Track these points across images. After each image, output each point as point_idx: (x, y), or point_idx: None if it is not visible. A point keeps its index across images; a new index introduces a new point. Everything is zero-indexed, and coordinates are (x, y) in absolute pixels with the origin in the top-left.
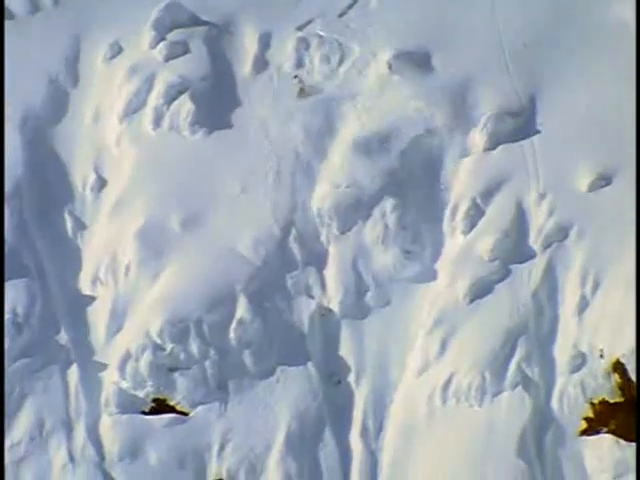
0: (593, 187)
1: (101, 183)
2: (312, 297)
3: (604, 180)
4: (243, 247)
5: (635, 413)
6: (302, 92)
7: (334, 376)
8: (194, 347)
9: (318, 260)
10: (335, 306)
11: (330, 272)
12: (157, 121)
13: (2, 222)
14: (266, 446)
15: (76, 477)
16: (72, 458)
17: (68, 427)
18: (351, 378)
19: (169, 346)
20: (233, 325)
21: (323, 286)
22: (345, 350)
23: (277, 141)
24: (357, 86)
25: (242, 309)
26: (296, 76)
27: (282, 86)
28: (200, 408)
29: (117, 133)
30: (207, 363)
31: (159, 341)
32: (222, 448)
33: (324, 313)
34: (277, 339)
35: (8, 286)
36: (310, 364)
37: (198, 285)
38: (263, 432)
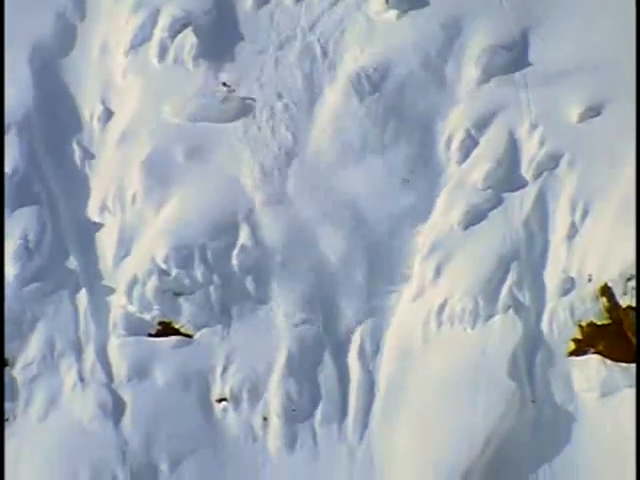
0: (583, 118)
1: (108, 114)
2: None
3: (594, 111)
4: (246, 177)
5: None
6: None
7: None
8: (198, 273)
9: (317, 185)
10: None
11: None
12: (162, 54)
13: (2, 222)
14: (267, 368)
15: (86, 396)
16: (82, 378)
17: (78, 349)
18: None
19: (174, 272)
20: (235, 252)
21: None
22: None
23: (277, 74)
24: (354, 21)
25: (244, 236)
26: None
27: (282, 20)
28: (204, 331)
29: (123, 66)
30: (211, 288)
31: (164, 267)
32: (225, 369)
33: None
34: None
35: (19, 213)
36: None
37: (202, 213)
38: (264, 354)
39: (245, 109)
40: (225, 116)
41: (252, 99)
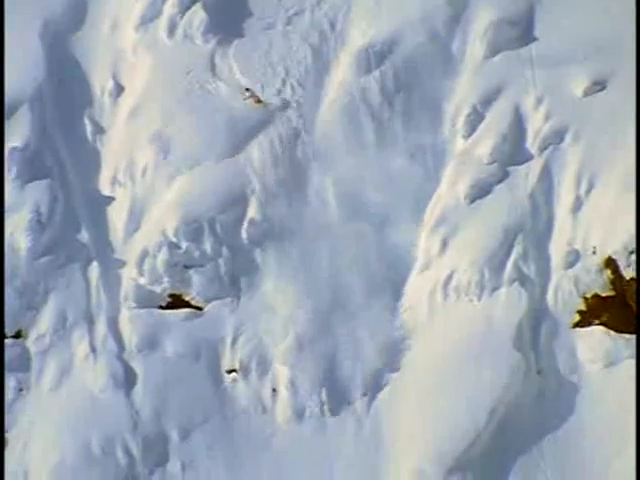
0: (588, 92)
1: (118, 89)
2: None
3: (599, 85)
4: (254, 152)
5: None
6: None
7: None
8: (208, 246)
9: (326, 161)
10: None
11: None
12: (171, 30)
13: (2, 222)
14: (276, 339)
15: (97, 367)
16: (94, 349)
17: (89, 320)
18: None
19: (184, 245)
20: (245, 225)
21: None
22: None
23: (285, 49)
24: None
25: (253, 210)
26: None
27: None
28: (214, 303)
29: (133, 41)
30: (220, 261)
31: (174, 240)
32: (235, 341)
33: None
34: None
35: (32, 186)
36: None
37: (212, 187)
38: (274, 326)
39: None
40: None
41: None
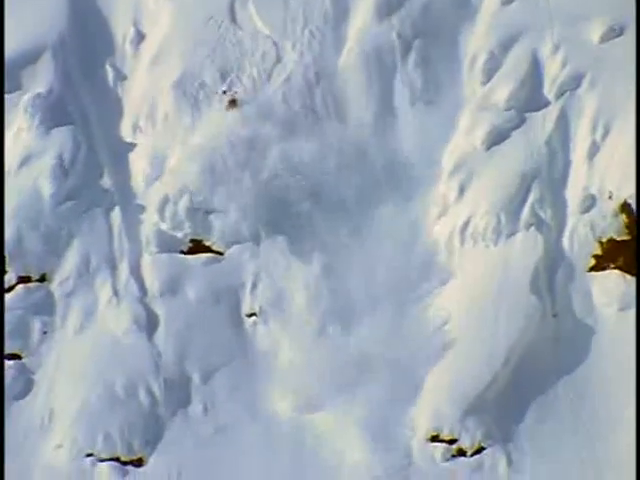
0: (605, 38)
1: (140, 37)
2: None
3: (615, 31)
4: (274, 99)
5: None
6: None
7: None
8: (228, 192)
9: (340, 111)
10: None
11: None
12: None
13: (2, 217)
14: (296, 283)
15: (120, 310)
16: (116, 293)
17: (112, 265)
18: None
19: (205, 191)
20: (265, 173)
21: (350, 135)
22: None
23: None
24: None
25: (272, 159)
26: None
27: None
28: (234, 248)
29: None
30: (241, 207)
31: (196, 186)
32: (254, 286)
33: None
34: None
35: (55, 133)
36: None
37: (231, 133)
38: (292, 272)
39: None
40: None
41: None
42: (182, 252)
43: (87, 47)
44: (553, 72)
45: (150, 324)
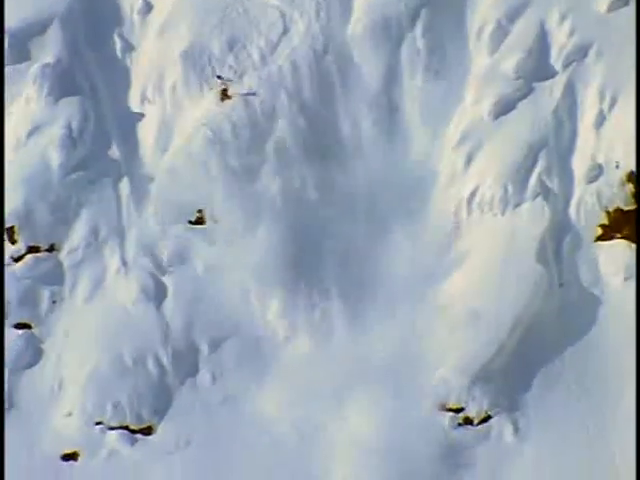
0: (612, 8)
1: (148, 7)
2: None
3: (622, 1)
4: (281, 69)
5: None
6: None
7: None
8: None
9: (350, 80)
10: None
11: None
12: None
13: (2, 212)
14: None
15: (128, 280)
16: (125, 263)
17: (121, 235)
18: None
19: (213, 161)
20: (271, 142)
21: (354, 107)
22: None
23: None
24: None
25: (280, 130)
26: None
27: None
28: None
29: None
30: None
31: (202, 157)
32: None
33: None
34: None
35: (63, 103)
36: None
37: (240, 106)
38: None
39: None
40: None
41: None
42: (190, 222)
43: (95, 17)
44: (560, 42)
45: (158, 294)
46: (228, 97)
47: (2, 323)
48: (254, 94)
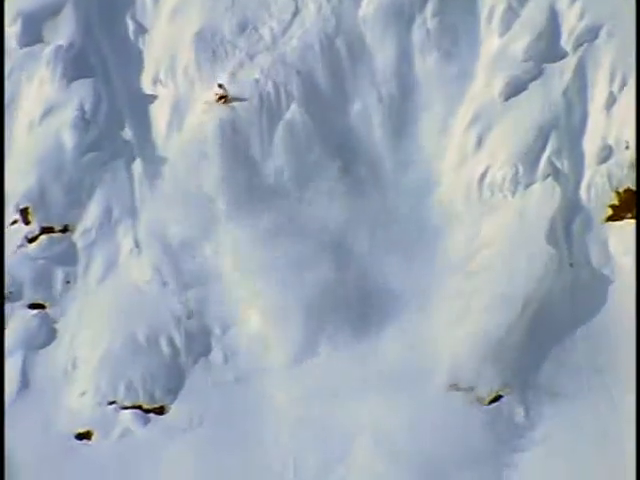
0: None
1: None
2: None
3: None
4: (293, 51)
5: None
6: None
7: None
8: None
9: (361, 61)
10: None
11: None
12: None
13: (2, 215)
14: None
15: (141, 261)
16: (137, 243)
17: (134, 216)
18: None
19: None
20: (281, 126)
21: (365, 89)
22: None
23: None
24: None
25: (291, 113)
26: None
27: None
28: None
29: None
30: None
31: (215, 137)
32: None
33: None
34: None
35: (76, 85)
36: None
37: (250, 89)
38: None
39: None
40: None
41: None
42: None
43: (108, 0)
44: (571, 23)
45: (171, 274)
46: (226, 102)
47: (2, 323)
48: (245, 100)
